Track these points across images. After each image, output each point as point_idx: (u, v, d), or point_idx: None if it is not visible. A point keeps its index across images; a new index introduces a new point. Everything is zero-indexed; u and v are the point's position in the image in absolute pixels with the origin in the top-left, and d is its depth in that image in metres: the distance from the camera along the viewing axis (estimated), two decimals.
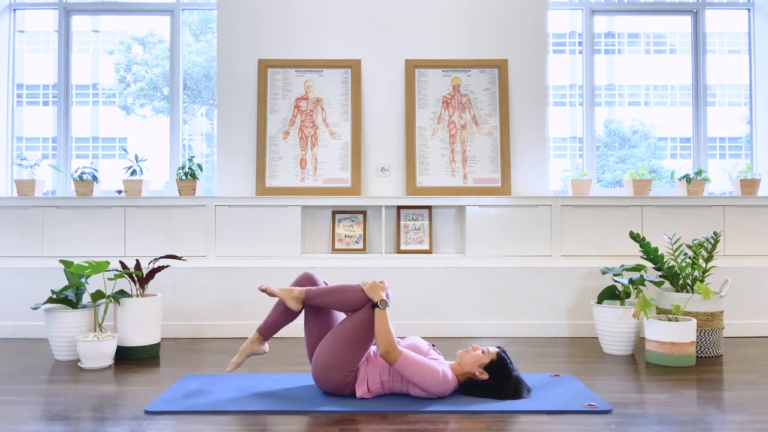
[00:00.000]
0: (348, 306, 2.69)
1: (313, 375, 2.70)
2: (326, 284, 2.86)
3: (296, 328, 3.81)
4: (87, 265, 3.38)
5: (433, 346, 2.77)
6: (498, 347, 2.72)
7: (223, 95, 4.39)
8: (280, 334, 3.90)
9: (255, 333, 2.88)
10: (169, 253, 3.88)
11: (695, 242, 3.62)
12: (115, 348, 3.32)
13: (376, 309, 2.60)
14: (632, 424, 2.38)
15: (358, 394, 2.64)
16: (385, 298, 2.62)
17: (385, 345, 2.54)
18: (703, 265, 3.61)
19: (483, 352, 2.66)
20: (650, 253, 3.64)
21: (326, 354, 2.64)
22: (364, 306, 2.64)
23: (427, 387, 2.57)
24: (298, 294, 2.74)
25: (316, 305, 2.74)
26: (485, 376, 2.63)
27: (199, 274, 4.03)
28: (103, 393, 2.81)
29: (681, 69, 4.83)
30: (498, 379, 2.63)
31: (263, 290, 2.78)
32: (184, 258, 3.72)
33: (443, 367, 2.62)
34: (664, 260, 3.65)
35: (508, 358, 2.70)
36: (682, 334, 3.25)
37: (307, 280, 2.87)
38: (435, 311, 4.03)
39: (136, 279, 3.54)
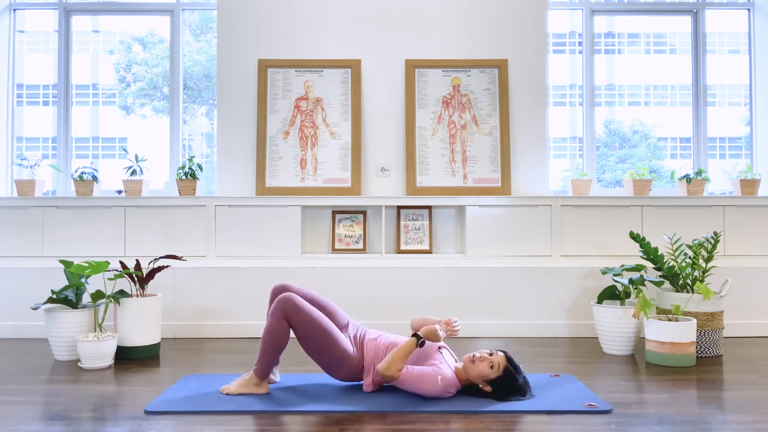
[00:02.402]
0: (283, 341, 2.68)
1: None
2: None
3: None
4: (87, 265, 3.38)
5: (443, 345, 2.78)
6: (504, 353, 2.63)
7: (223, 95, 4.39)
8: None
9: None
10: (169, 253, 3.88)
11: (695, 242, 3.62)
12: (115, 348, 3.32)
13: (413, 339, 2.62)
14: (632, 424, 2.38)
15: (365, 385, 2.71)
16: (424, 341, 2.63)
17: (387, 367, 2.56)
18: (703, 265, 3.61)
19: (492, 366, 2.58)
20: (650, 253, 3.64)
21: (321, 362, 2.73)
22: (284, 323, 2.64)
23: (427, 395, 2.59)
24: (254, 380, 2.71)
25: (273, 363, 2.73)
26: (488, 389, 2.61)
27: (199, 274, 4.03)
28: (103, 393, 2.81)
29: (681, 69, 4.83)
30: (500, 394, 2.60)
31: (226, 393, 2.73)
32: (184, 258, 3.72)
33: (443, 373, 2.59)
34: (664, 260, 3.65)
35: (515, 370, 2.61)
36: (682, 334, 3.25)
37: (280, 289, 2.87)
38: (435, 311, 4.02)
39: (136, 279, 3.54)
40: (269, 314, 2.71)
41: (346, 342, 2.71)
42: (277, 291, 2.86)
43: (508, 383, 2.59)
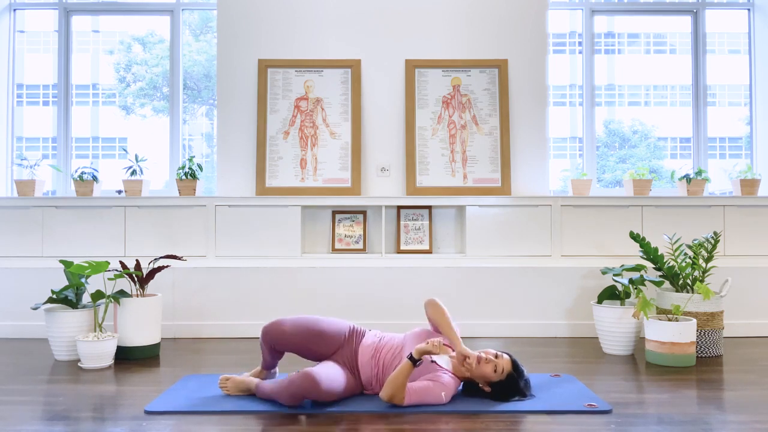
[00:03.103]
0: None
1: None
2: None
3: None
4: (87, 265, 3.38)
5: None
6: (510, 357, 2.60)
7: (223, 95, 4.39)
8: None
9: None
10: (169, 253, 3.88)
11: (695, 242, 3.62)
12: (115, 348, 3.32)
13: (408, 362, 2.47)
14: (632, 424, 2.38)
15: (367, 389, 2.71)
16: (421, 361, 2.49)
17: (391, 396, 2.48)
18: (703, 265, 3.61)
19: (496, 370, 2.55)
20: (650, 253, 3.64)
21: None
22: (303, 400, 2.53)
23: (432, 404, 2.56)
24: (252, 392, 2.69)
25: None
26: (488, 389, 2.59)
27: (199, 274, 4.03)
28: (103, 393, 2.81)
29: (681, 69, 4.83)
30: (500, 395, 2.58)
31: (225, 392, 2.72)
32: (184, 258, 3.72)
33: (446, 387, 2.54)
34: (664, 260, 3.65)
35: (518, 375, 2.58)
36: (682, 334, 3.25)
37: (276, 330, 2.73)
38: None
39: (136, 279, 3.54)
40: (290, 389, 2.48)
41: (351, 388, 2.65)
42: (270, 334, 2.70)
43: (509, 388, 2.58)
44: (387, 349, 2.68)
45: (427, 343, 2.46)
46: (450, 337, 2.63)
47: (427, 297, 2.78)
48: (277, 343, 2.71)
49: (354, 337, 2.76)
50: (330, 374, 2.53)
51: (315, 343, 2.70)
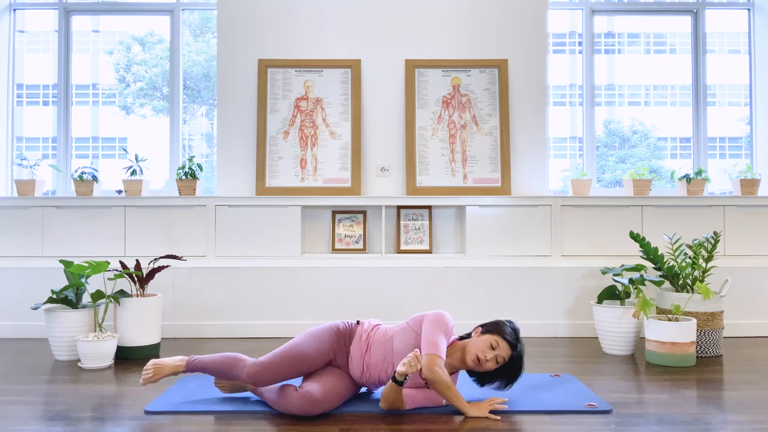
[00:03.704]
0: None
1: None
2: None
3: (293, 328, 3.81)
4: (87, 265, 3.38)
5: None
6: (504, 340, 2.51)
7: (223, 95, 4.39)
8: (276, 334, 3.92)
9: (183, 363, 2.68)
10: (169, 253, 3.88)
11: (695, 242, 3.62)
12: (115, 348, 3.32)
13: (393, 384, 2.41)
14: (632, 424, 2.38)
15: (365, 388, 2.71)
16: (405, 379, 2.41)
17: (389, 407, 2.47)
18: (703, 265, 3.61)
19: (498, 362, 2.50)
20: (650, 253, 3.64)
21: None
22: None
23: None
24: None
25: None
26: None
27: (199, 274, 4.03)
28: (103, 393, 2.81)
29: (681, 69, 4.83)
30: (496, 377, 2.57)
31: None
32: (184, 258, 3.72)
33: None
34: (664, 260, 3.65)
35: (514, 348, 2.51)
36: (682, 334, 3.25)
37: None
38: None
39: (136, 279, 3.54)
40: (290, 410, 2.45)
41: (351, 391, 2.62)
42: (255, 381, 2.53)
43: (513, 369, 2.52)
44: (375, 370, 2.57)
45: (404, 364, 2.36)
46: (455, 405, 2.46)
47: (427, 368, 2.40)
48: (263, 385, 2.58)
49: (342, 347, 2.62)
50: (328, 391, 2.48)
51: (305, 368, 2.57)
